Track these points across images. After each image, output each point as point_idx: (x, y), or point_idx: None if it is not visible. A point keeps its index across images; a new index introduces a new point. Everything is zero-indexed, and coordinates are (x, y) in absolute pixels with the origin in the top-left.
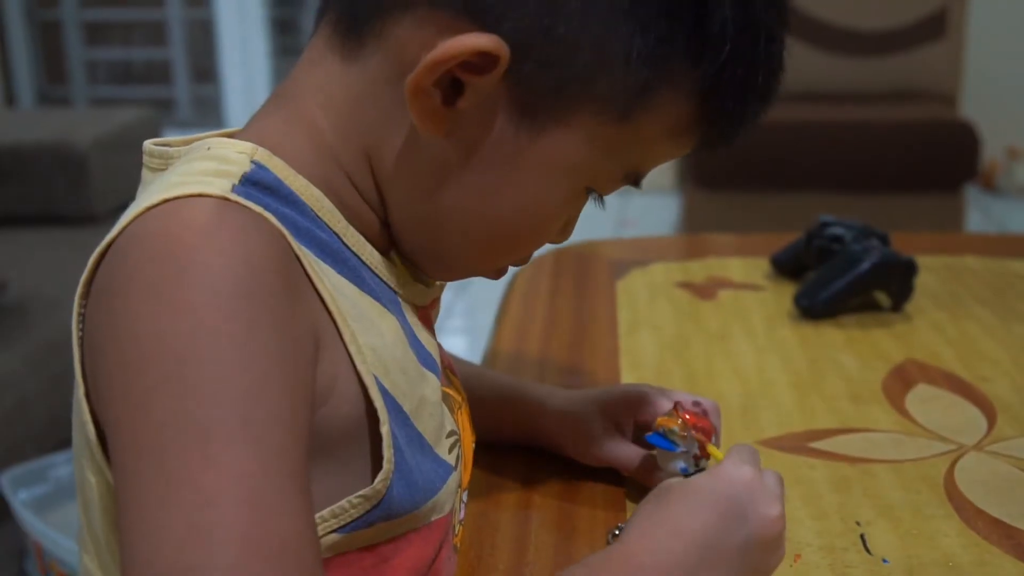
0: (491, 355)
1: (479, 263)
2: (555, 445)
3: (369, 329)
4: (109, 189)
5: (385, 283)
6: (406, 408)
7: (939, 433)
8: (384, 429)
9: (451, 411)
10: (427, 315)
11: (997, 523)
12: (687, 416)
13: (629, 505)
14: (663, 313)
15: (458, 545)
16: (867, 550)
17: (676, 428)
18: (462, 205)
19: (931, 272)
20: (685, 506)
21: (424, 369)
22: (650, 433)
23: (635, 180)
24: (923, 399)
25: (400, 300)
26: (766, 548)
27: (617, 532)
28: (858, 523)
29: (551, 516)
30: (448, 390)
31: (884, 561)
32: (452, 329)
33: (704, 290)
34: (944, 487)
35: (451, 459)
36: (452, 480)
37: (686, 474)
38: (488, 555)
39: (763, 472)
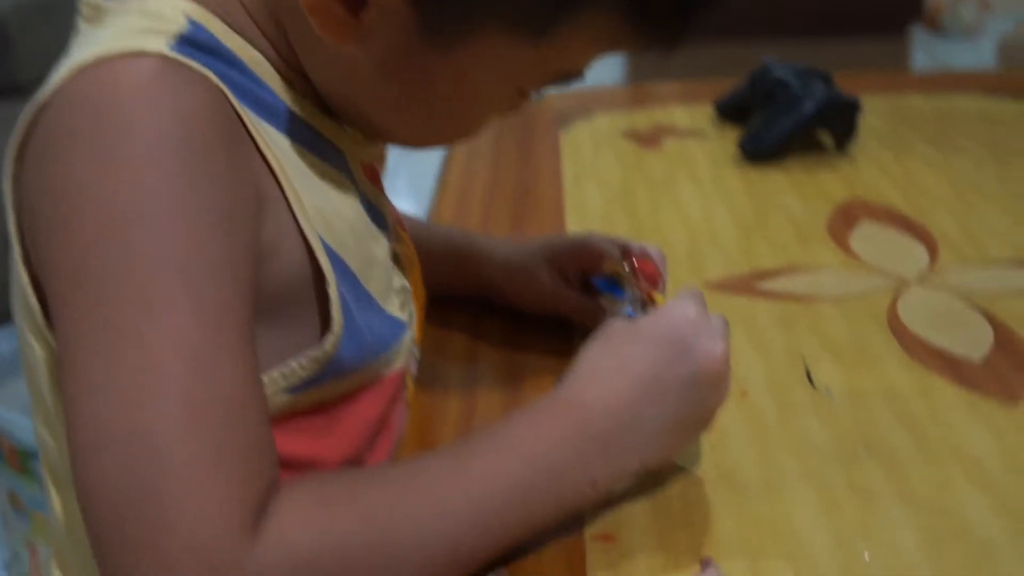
0: (436, 211)
1: (416, 144)
2: (503, 296)
3: (313, 188)
4: (32, 57)
5: (328, 141)
6: (354, 267)
7: (882, 268)
8: (331, 290)
9: (402, 268)
10: (374, 171)
11: (938, 352)
12: (634, 261)
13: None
14: (608, 164)
15: (410, 400)
16: (812, 384)
17: (623, 273)
18: (383, 104)
19: (876, 113)
20: (629, 345)
21: (373, 226)
22: (596, 277)
23: (571, 78)
24: (867, 236)
25: (345, 157)
26: (710, 384)
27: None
28: (803, 357)
29: (499, 367)
30: (398, 247)
31: (828, 393)
32: (397, 191)
33: (649, 139)
34: (887, 321)
35: (403, 316)
36: (405, 337)
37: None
38: (439, 408)
39: (709, 314)
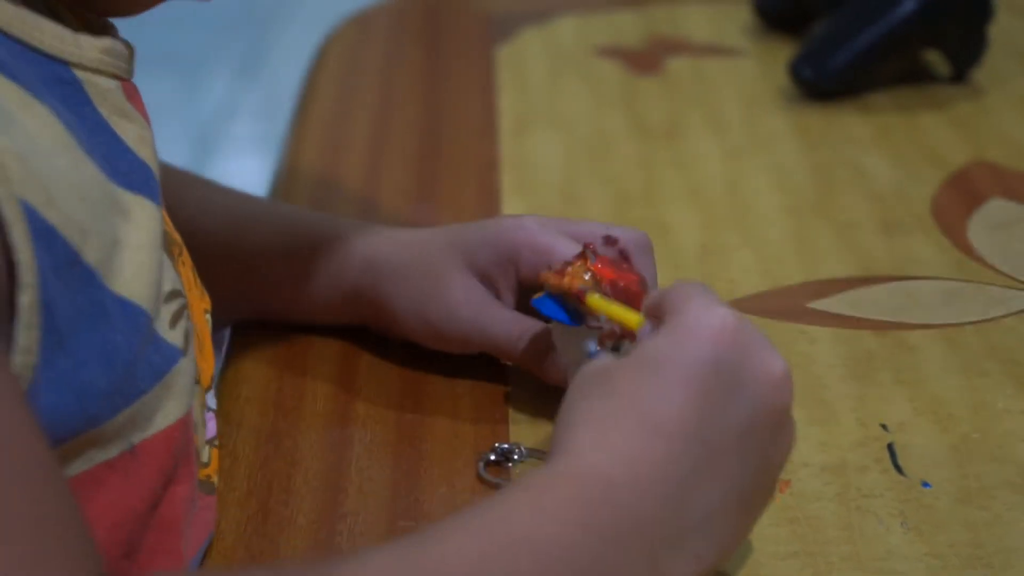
0: (288, 173)
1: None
2: (386, 321)
3: (12, 127)
4: None
5: (34, 48)
6: (89, 258)
7: (1021, 278)
8: (26, 297)
9: (171, 258)
10: (135, 91)
11: None
12: (599, 267)
13: (513, 415)
14: (575, 99)
15: (214, 481)
16: (898, 469)
17: (584, 288)
18: None
19: (1019, 13)
20: (649, 386)
21: (120, 190)
22: (538, 295)
23: None
24: (998, 223)
25: (76, 74)
26: (774, 425)
27: (493, 457)
28: (885, 427)
29: (384, 435)
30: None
31: (924, 485)
32: (236, 137)
33: (644, 59)
34: None
35: (176, 337)
36: (180, 372)
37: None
38: (279, 501)
39: (742, 317)
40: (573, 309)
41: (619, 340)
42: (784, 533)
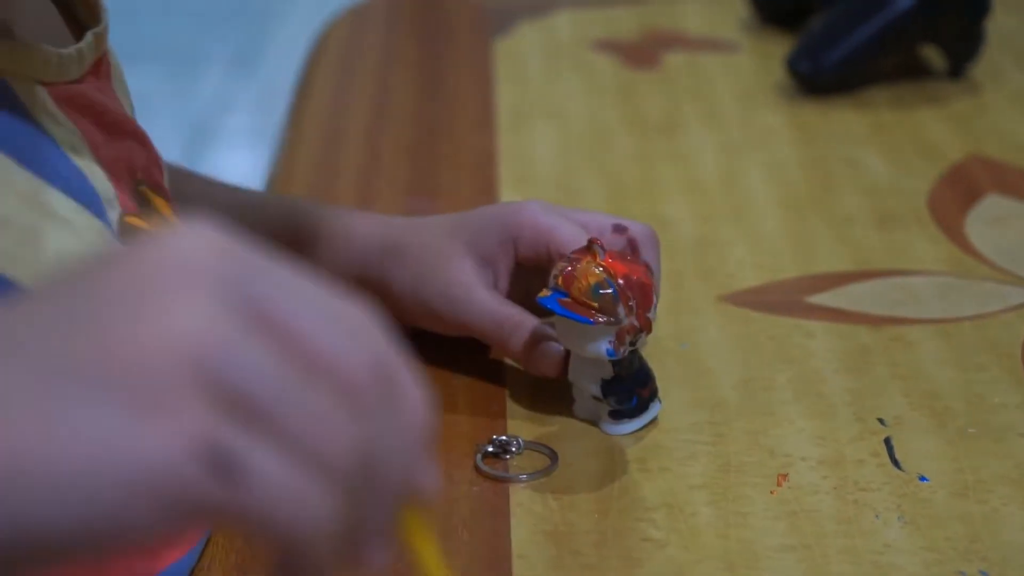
0: (284, 166)
1: None
2: (382, 300)
3: None
4: None
5: None
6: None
7: (1018, 273)
8: None
9: None
10: (86, 95)
11: None
12: (611, 262)
13: (511, 408)
14: (571, 92)
15: None
16: (895, 463)
17: (594, 284)
18: None
19: (1015, 10)
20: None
21: (56, 192)
22: (544, 294)
23: None
24: (994, 219)
25: (4, 80)
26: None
27: (491, 449)
28: (882, 421)
29: None
30: (133, 219)
31: (921, 479)
32: (232, 130)
33: (640, 53)
34: None
35: None
36: None
37: (613, 359)
38: None
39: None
40: (580, 305)
41: (636, 334)
42: (781, 526)
